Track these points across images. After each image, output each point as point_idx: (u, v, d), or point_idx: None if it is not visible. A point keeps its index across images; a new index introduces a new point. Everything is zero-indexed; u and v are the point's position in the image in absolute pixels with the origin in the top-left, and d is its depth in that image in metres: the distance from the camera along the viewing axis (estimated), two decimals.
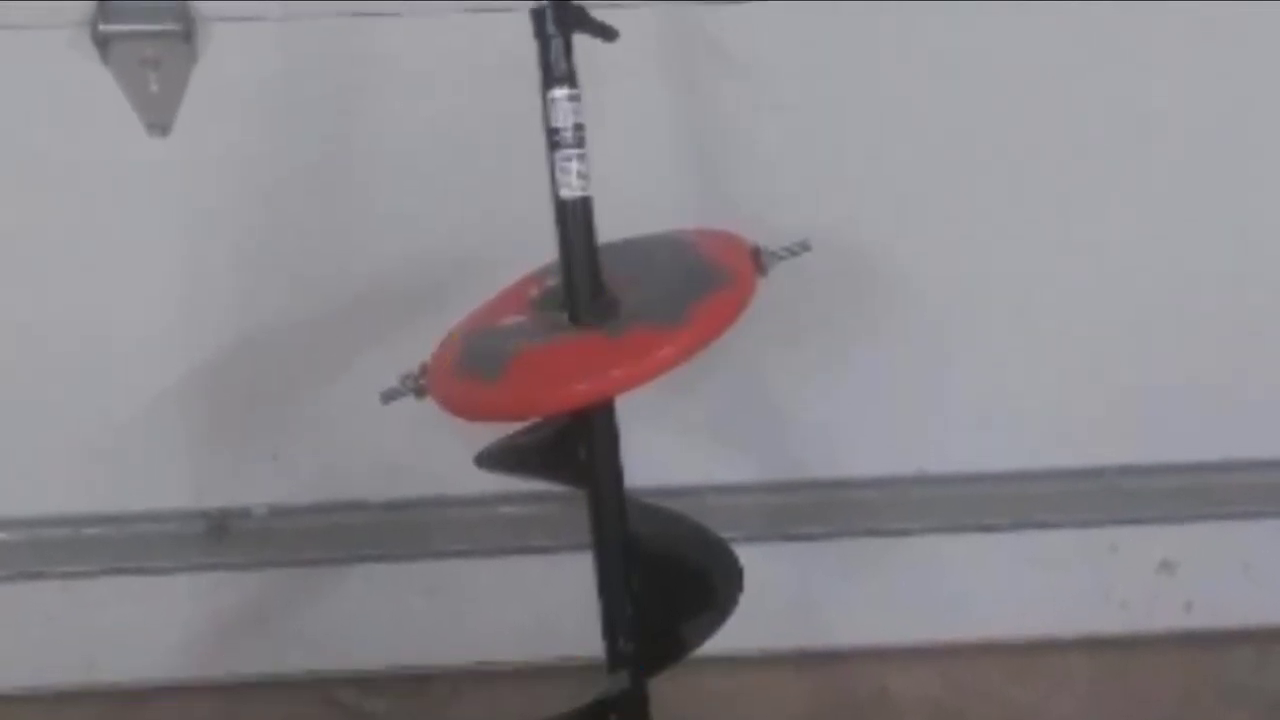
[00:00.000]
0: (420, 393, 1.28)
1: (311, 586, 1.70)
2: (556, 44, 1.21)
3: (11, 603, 1.68)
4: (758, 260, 1.31)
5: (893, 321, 1.60)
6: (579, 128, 1.21)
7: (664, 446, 1.62)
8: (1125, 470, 1.69)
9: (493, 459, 1.33)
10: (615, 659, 1.30)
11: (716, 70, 1.49)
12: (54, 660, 1.73)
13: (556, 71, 1.21)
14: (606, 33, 1.23)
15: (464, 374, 1.25)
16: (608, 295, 1.24)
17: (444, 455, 1.55)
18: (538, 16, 1.21)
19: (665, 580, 1.31)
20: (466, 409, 1.24)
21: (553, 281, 1.28)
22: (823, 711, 1.73)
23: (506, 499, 1.66)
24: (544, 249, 1.25)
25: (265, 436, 1.64)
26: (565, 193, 1.21)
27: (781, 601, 1.70)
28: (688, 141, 1.52)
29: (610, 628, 1.29)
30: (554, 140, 1.21)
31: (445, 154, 1.51)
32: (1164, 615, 1.76)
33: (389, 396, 1.29)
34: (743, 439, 1.67)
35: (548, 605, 1.69)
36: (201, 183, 1.52)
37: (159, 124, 1.50)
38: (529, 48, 1.21)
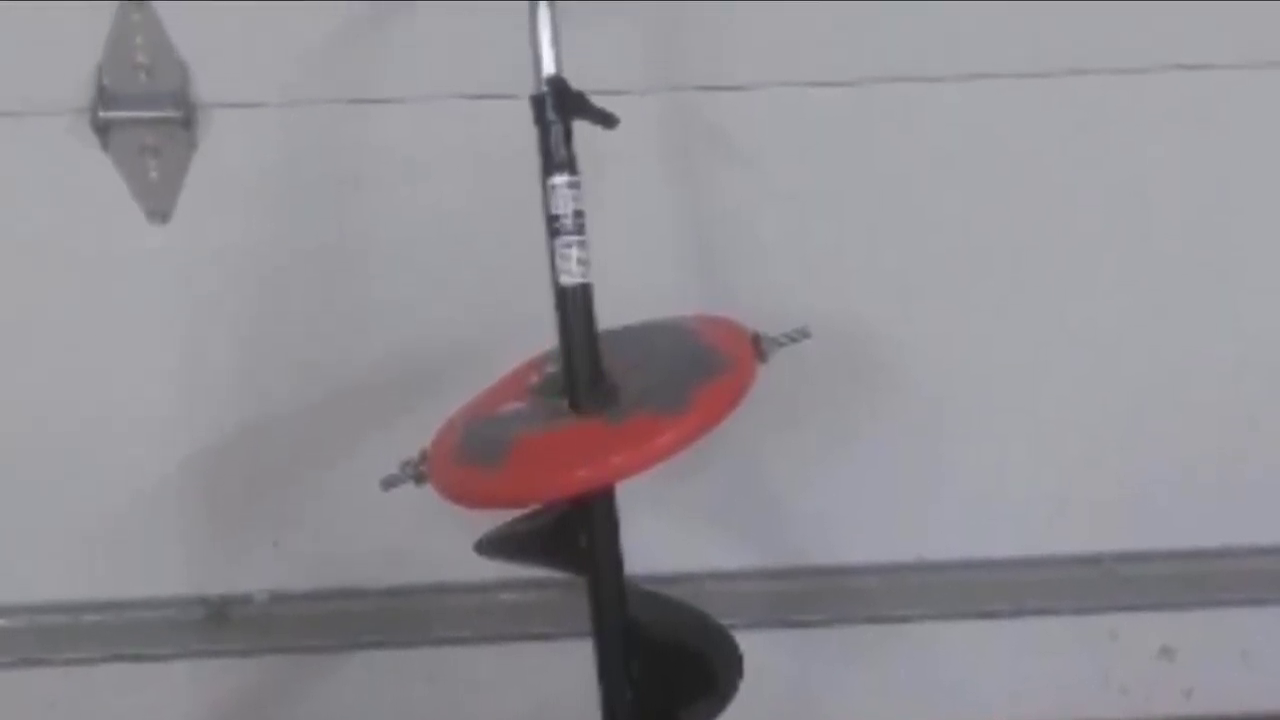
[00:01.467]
0: (420, 479, 1.28)
1: (312, 673, 1.69)
2: (557, 131, 1.21)
3: (12, 689, 1.67)
4: (758, 347, 1.31)
5: (891, 408, 1.60)
6: (579, 214, 1.21)
7: (664, 532, 1.61)
8: (1124, 557, 1.69)
9: (493, 546, 1.32)
10: None
11: (716, 158, 1.50)
12: None
13: (557, 158, 1.21)
14: (607, 120, 1.24)
15: (464, 461, 1.24)
16: (608, 382, 1.24)
17: (444, 542, 1.55)
18: (538, 103, 1.22)
19: (665, 666, 1.31)
20: (466, 496, 1.24)
21: (553, 368, 1.28)
22: None
23: (506, 586, 1.65)
24: (544, 336, 1.25)
25: (265, 523, 1.63)
26: (565, 279, 1.21)
27: (781, 688, 1.69)
28: (688, 228, 1.52)
29: (610, 714, 1.29)
30: (554, 227, 1.21)
31: (445, 240, 1.51)
32: (1164, 702, 1.75)
33: (389, 483, 1.29)
34: (742, 525, 1.66)
35: (548, 692, 1.67)
36: (201, 269, 1.52)
37: (159, 211, 1.50)
38: (529, 135, 1.22)
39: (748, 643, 1.33)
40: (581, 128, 1.22)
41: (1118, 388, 1.61)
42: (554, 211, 1.21)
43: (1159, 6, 1.47)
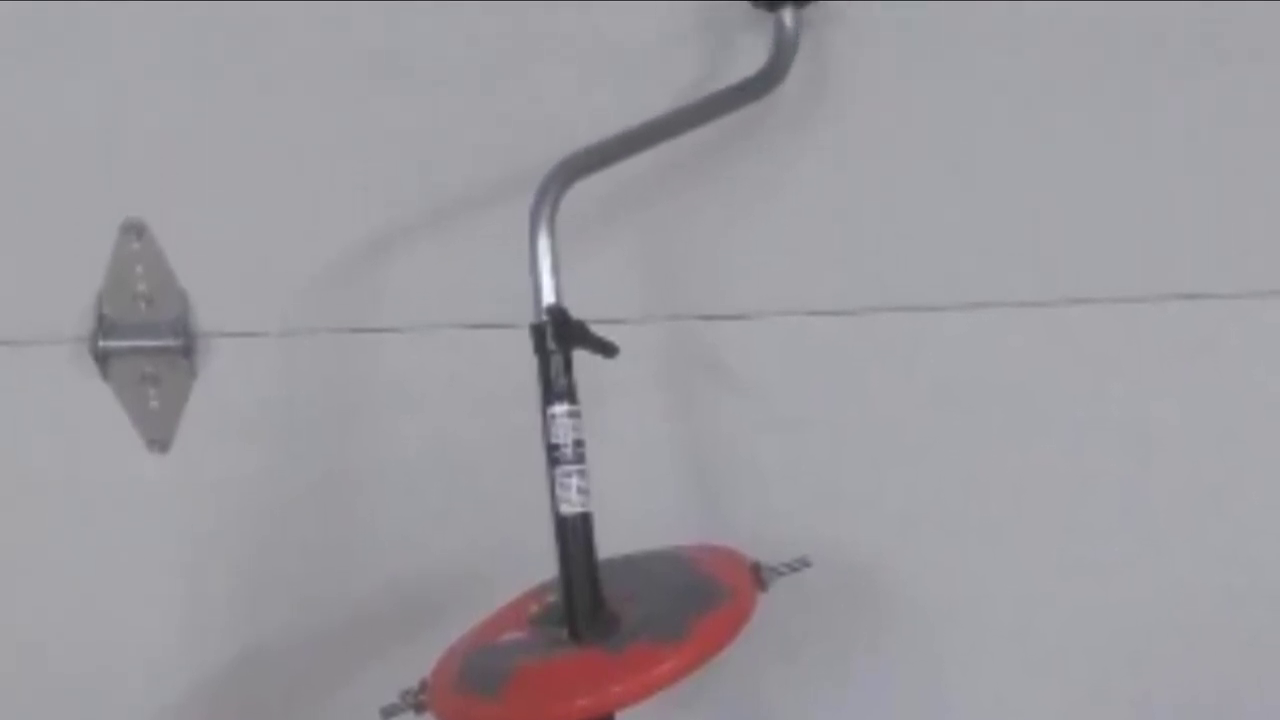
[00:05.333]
0: (420, 709, 1.26)
1: None
2: (556, 360, 1.21)
3: None
4: (757, 576, 1.30)
5: (892, 639, 1.59)
6: (579, 444, 1.21)
7: None
8: None
9: None
10: None
11: (717, 386, 1.51)
12: None
13: (557, 387, 1.21)
14: (607, 349, 1.24)
15: (464, 690, 1.23)
16: (607, 611, 1.23)
17: None
18: (538, 332, 1.22)
19: None
20: None
21: (552, 598, 1.27)
22: None
23: None
24: (544, 565, 1.24)
25: None
26: (565, 509, 1.21)
27: None
28: (688, 457, 1.53)
29: None
30: (554, 456, 1.21)
31: (445, 470, 1.51)
32: None
33: (389, 713, 1.27)
34: None
35: None
36: (200, 499, 1.52)
37: (159, 440, 1.50)
38: (529, 364, 1.22)
39: None
40: (581, 356, 1.22)
41: (1119, 617, 1.60)
42: (554, 441, 1.21)
43: (1159, 236, 1.49)
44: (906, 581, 1.57)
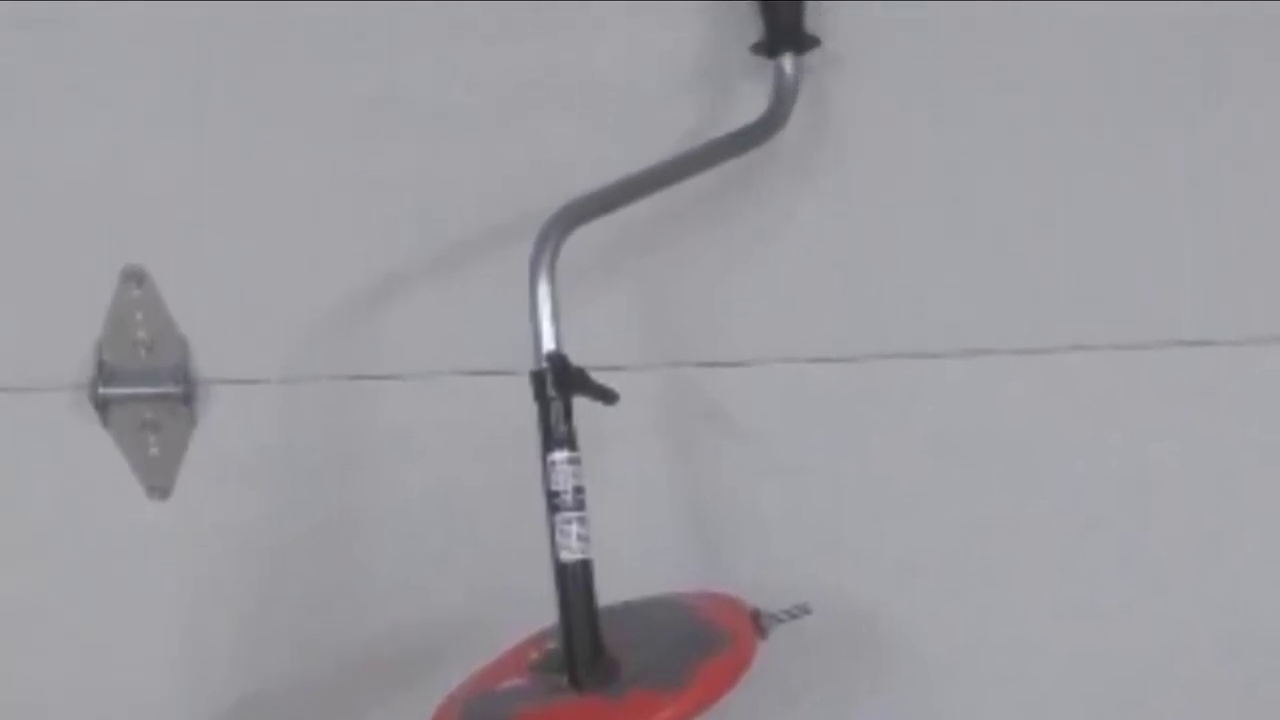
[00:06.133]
0: None
1: None
2: (557, 407, 1.21)
3: None
4: (757, 623, 1.30)
5: (892, 686, 1.58)
6: (579, 490, 1.21)
7: None
8: None
9: None
10: None
11: (717, 433, 1.51)
12: None
13: (556, 434, 1.21)
14: (607, 396, 1.24)
15: None
16: (608, 658, 1.22)
17: None
18: (538, 379, 1.22)
19: None
20: None
21: (552, 644, 1.27)
22: None
23: None
24: (544, 612, 1.24)
25: None
26: (565, 555, 1.20)
27: None
28: (688, 504, 1.52)
29: None
30: (554, 503, 1.21)
31: (445, 517, 1.51)
32: None
33: None
34: None
35: None
36: (201, 546, 1.51)
37: (159, 487, 1.50)
38: (529, 411, 1.22)
39: None
40: (582, 403, 1.22)
41: (1119, 665, 1.59)
42: (554, 487, 1.21)
43: (1159, 283, 1.49)
44: (906, 628, 1.57)
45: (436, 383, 1.48)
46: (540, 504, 1.21)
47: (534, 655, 1.30)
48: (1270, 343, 1.50)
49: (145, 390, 1.48)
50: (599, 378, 1.23)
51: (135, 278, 1.47)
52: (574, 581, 1.21)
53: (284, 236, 1.48)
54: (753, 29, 1.45)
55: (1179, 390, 1.51)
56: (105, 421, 1.49)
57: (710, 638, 1.26)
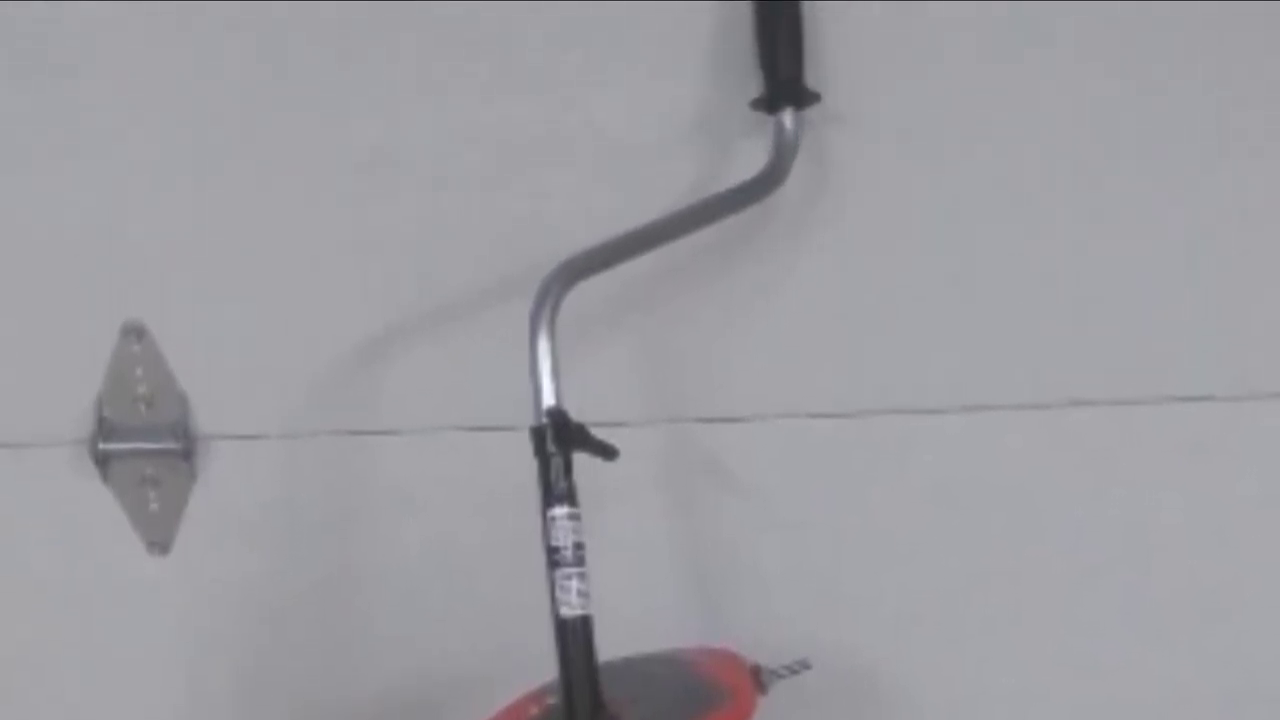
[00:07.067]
0: None
1: None
2: (557, 463, 1.21)
3: None
4: (757, 679, 1.30)
5: None
6: (579, 546, 1.20)
7: None
8: None
9: None
10: None
11: (716, 489, 1.51)
12: None
13: (557, 490, 1.21)
14: (607, 452, 1.24)
15: None
16: (608, 714, 1.21)
17: None
18: (538, 435, 1.22)
19: None
20: None
21: (552, 700, 1.26)
22: None
23: None
24: (544, 667, 1.24)
25: None
26: (565, 611, 1.20)
27: None
28: (688, 559, 1.52)
29: None
30: (554, 559, 1.20)
31: (445, 572, 1.51)
32: None
33: None
34: None
35: None
36: (201, 601, 1.51)
37: (159, 542, 1.50)
38: (529, 466, 1.22)
39: None
40: (582, 459, 1.22)
41: (1118, 716, 1.59)
42: (554, 543, 1.21)
43: (1158, 338, 1.50)
44: (906, 683, 1.56)
45: (436, 438, 1.49)
46: (540, 559, 1.21)
47: (534, 711, 1.30)
48: (1268, 398, 1.50)
49: (145, 446, 1.48)
50: (599, 433, 1.23)
51: (135, 333, 1.47)
52: (574, 637, 1.21)
53: (284, 291, 1.48)
54: (753, 84, 1.46)
55: (1178, 445, 1.51)
56: (105, 477, 1.49)
57: (710, 693, 1.26)
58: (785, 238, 1.48)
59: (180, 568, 1.50)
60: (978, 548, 1.53)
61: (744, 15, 1.46)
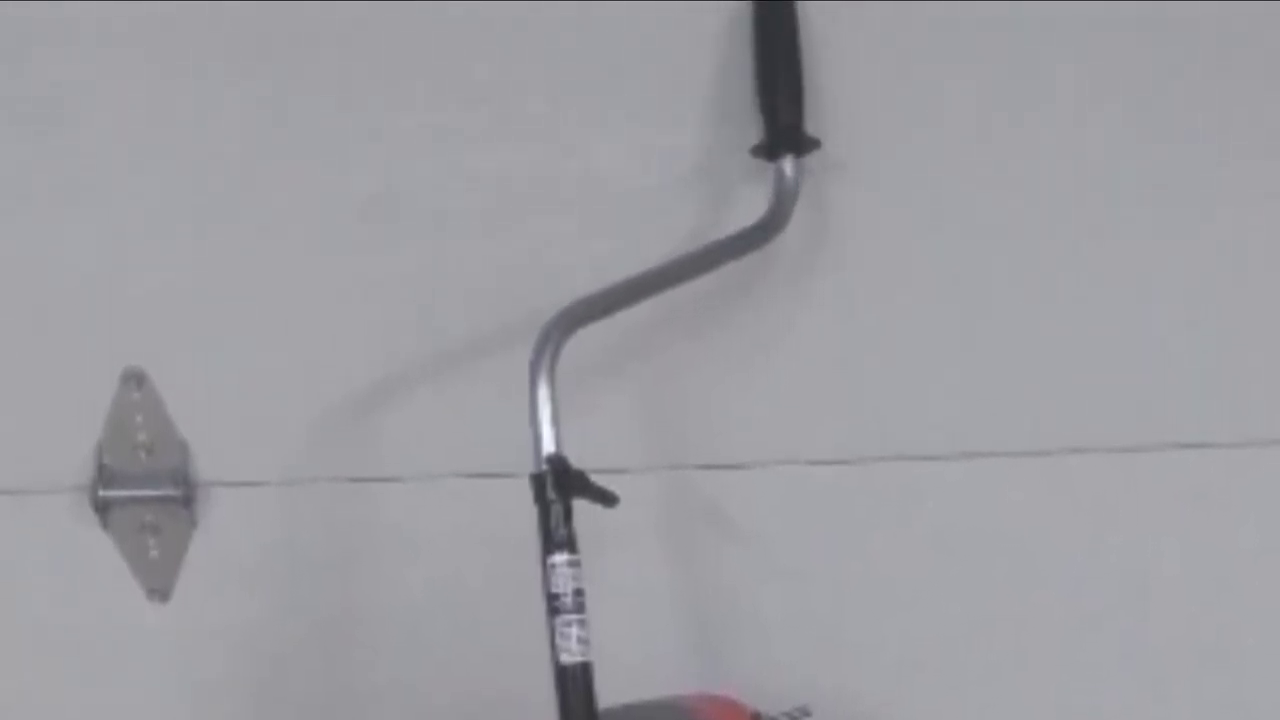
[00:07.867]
0: None
1: None
2: (556, 510, 1.21)
3: None
4: None
5: None
6: (579, 593, 1.20)
7: None
8: None
9: None
10: None
11: (716, 536, 1.50)
12: None
13: (557, 537, 1.21)
14: (607, 499, 1.24)
15: None
16: None
17: None
18: (538, 482, 1.22)
19: None
20: None
21: None
22: None
23: None
24: (544, 714, 1.23)
25: None
26: (565, 658, 1.20)
27: None
28: (688, 606, 1.52)
29: None
30: (554, 606, 1.20)
31: (446, 619, 1.50)
32: None
33: None
34: None
35: None
36: (201, 648, 1.51)
37: (159, 589, 1.50)
38: (529, 513, 1.22)
39: None
40: (582, 506, 1.22)
41: None
42: (554, 590, 1.20)
43: (1157, 385, 1.50)
44: None
45: (437, 485, 1.48)
46: (540, 606, 1.21)
47: None
48: (1268, 445, 1.50)
49: (145, 493, 1.48)
50: (599, 480, 1.23)
51: (135, 380, 1.48)
52: (574, 684, 1.20)
53: (284, 338, 1.48)
54: (753, 131, 1.46)
55: (1177, 492, 1.51)
56: (105, 524, 1.48)
57: None
58: (785, 285, 1.49)
59: (180, 615, 1.50)
60: (978, 595, 1.53)
61: (744, 62, 1.47)
